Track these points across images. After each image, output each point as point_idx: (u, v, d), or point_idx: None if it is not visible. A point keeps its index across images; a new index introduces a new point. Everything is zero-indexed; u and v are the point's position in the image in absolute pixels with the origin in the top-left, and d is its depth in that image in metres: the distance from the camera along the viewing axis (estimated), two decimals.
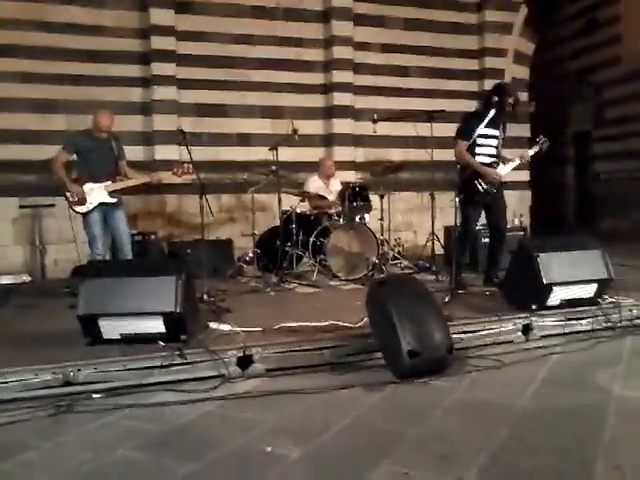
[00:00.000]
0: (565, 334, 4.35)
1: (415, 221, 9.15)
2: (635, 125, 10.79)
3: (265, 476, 2.38)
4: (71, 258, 6.62)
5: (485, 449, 2.55)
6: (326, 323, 4.13)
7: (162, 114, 8.11)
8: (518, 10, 9.98)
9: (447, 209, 6.66)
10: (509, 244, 5.61)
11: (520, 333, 4.31)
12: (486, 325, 4.24)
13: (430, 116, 6.52)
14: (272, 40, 8.66)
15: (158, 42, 8.08)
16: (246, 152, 8.38)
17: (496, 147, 5.52)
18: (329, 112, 8.98)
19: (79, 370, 3.35)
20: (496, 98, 5.41)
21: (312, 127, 8.75)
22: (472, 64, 9.71)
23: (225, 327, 4.14)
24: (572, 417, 2.94)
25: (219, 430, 2.86)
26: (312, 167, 7.67)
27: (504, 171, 5.46)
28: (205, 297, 5.11)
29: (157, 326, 3.70)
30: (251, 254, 6.98)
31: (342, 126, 8.96)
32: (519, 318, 4.36)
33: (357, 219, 6.70)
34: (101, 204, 5.54)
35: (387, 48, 9.29)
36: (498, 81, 5.95)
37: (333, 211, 6.95)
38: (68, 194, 5.48)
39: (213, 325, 4.19)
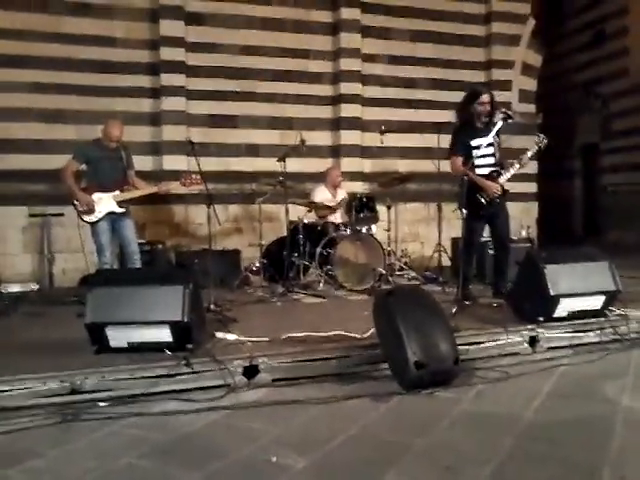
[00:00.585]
0: (572, 346, 4.33)
1: (422, 232, 9.14)
2: None
3: None
4: (79, 267, 6.66)
5: (491, 460, 2.54)
6: (332, 333, 4.13)
7: (171, 125, 8.16)
8: (526, 22, 10.01)
9: (454, 220, 6.66)
10: (516, 256, 5.57)
11: (527, 345, 4.30)
12: (493, 337, 4.23)
13: (437, 127, 6.54)
14: (281, 52, 8.71)
15: (168, 53, 8.15)
16: (254, 163, 8.42)
17: (493, 155, 5.43)
18: (337, 123, 9.02)
19: (86, 378, 3.36)
20: (467, 108, 5.39)
21: (320, 138, 8.79)
22: (479, 76, 9.72)
23: (231, 337, 4.14)
24: (579, 429, 2.92)
25: (225, 439, 2.86)
26: (320, 178, 7.69)
27: (505, 179, 5.37)
28: (212, 307, 5.12)
29: (164, 335, 3.71)
30: (258, 264, 7.00)
31: (350, 137, 8.99)
32: (526, 330, 4.35)
33: (364, 230, 6.71)
34: (109, 213, 5.57)
35: (395, 60, 9.33)
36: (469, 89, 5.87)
37: (339, 220, 6.96)
38: (77, 203, 5.53)
39: (220, 335, 4.20)
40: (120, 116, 6.28)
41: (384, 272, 6.45)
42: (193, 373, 3.53)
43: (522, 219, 8.87)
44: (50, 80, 7.64)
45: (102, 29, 7.93)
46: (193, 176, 5.71)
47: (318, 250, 6.53)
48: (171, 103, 8.18)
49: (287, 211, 6.55)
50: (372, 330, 3.87)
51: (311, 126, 8.67)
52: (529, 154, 5.41)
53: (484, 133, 5.30)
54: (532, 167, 9.63)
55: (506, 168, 5.41)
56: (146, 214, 7.82)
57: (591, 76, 12.05)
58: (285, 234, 6.74)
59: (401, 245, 7.78)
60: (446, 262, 6.99)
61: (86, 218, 5.55)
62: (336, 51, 9.01)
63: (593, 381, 3.63)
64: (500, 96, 5.85)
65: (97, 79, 7.83)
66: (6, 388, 3.24)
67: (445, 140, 6.21)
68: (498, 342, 4.21)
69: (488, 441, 2.78)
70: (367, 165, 9.15)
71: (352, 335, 4.10)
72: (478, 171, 5.36)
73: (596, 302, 4.52)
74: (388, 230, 7.11)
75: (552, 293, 4.32)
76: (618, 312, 4.63)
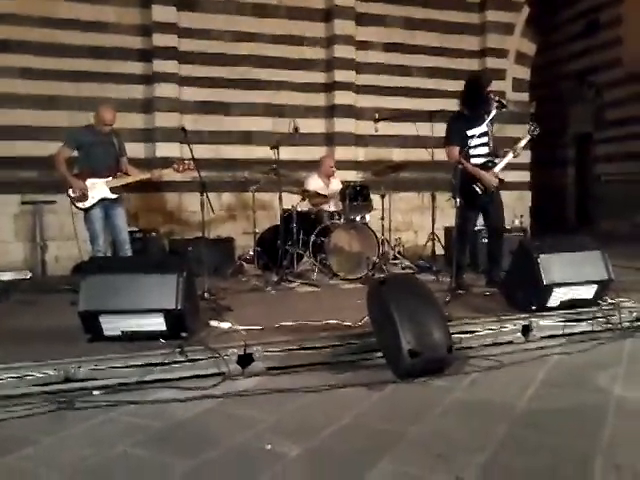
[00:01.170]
0: (565, 335, 4.36)
1: (416, 221, 9.16)
2: (636, 127, 10.78)
3: (265, 473, 2.39)
4: (72, 255, 6.63)
5: (484, 448, 2.56)
6: (326, 322, 4.15)
7: (164, 111, 8.10)
8: (520, 10, 9.98)
9: (448, 209, 6.67)
10: (510, 245, 5.60)
11: (520, 334, 4.33)
12: (486, 325, 4.25)
13: (431, 116, 6.52)
14: (274, 38, 8.65)
15: (160, 39, 8.07)
16: (247, 150, 8.38)
17: (487, 144, 5.43)
18: (331, 111, 8.98)
19: (80, 367, 3.36)
20: (473, 93, 5.38)
21: (314, 126, 8.76)
22: (474, 64, 9.69)
23: (226, 325, 4.15)
24: (571, 417, 2.95)
25: (219, 427, 2.87)
26: (313, 166, 7.67)
27: (499, 168, 5.36)
28: (206, 295, 5.12)
29: (158, 323, 3.71)
30: (252, 252, 6.99)
31: (344, 125, 8.96)
32: (519, 319, 4.37)
33: (358, 218, 6.70)
34: (102, 199, 5.54)
35: (389, 47, 9.29)
36: (470, 76, 5.81)
37: (333, 209, 6.96)
38: (70, 190, 5.49)
39: (214, 323, 4.20)
40: (112, 102, 6.22)
41: (378, 261, 6.46)
42: (187, 361, 3.54)
43: (515, 208, 8.89)
44: (42, 66, 7.56)
45: (94, 14, 7.83)
46: (186, 162, 5.68)
47: (312, 239, 6.53)
48: (163, 90, 8.11)
49: (281, 199, 6.53)
50: (366, 319, 3.89)
51: (305, 114, 8.63)
52: (522, 143, 5.41)
53: (479, 122, 5.28)
54: (525, 156, 9.64)
55: (500, 157, 5.41)
56: (139, 202, 7.79)
57: (585, 65, 12.05)
58: (279, 222, 6.74)
59: (395, 234, 7.77)
60: (440, 251, 6.99)
61: (79, 204, 5.51)
62: (330, 38, 8.94)
63: (585, 370, 3.66)
64: (494, 85, 5.80)
65: (89, 65, 7.75)
66: (0, 376, 3.23)
67: (439, 129, 6.20)
68: (491, 331, 4.23)
69: (481, 429, 2.80)
70: (361, 153, 9.13)
71: (346, 324, 4.11)
72: (473, 160, 5.36)
73: (589, 291, 4.54)
74: (382, 219, 7.11)
75: (545, 282, 4.34)
76: (610, 301, 4.66)
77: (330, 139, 8.98)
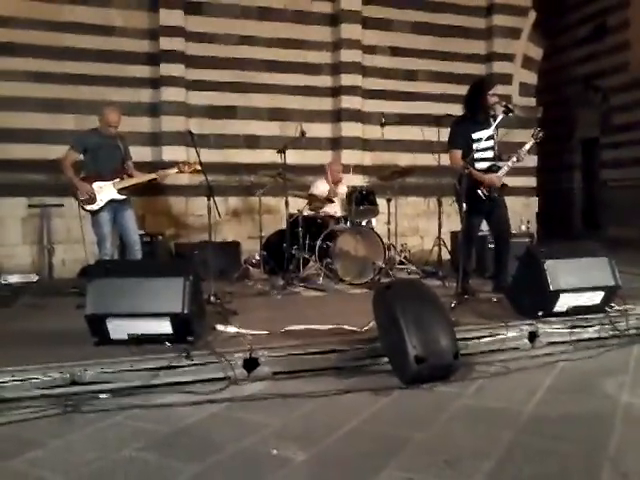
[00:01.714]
0: (572, 341, 4.34)
1: (422, 226, 9.15)
2: None
3: (270, 478, 2.39)
4: (79, 258, 6.66)
5: (490, 455, 2.55)
6: (332, 327, 4.14)
7: (170, 115, 8.14)
8: (527, 15, 9.98)
9: (454, 214, 6.65)
10: (516, 250, 5.57)
11: (526, 340, 4.31)
12: (492, 331, 4.24)
13: (438, 120, 6.52)
14: (281, 42, 8.68)
15: (167, 43, 8.11)
16: (254, 154, 8.40)
17: (492, 148, 5.42)
18: (337, 115, 9.00)
19: (86, 370, 3.36)
20: (474, 97, 5.37)
21: (320, 130, 8.78)
22: (480, 69, 9.70)
23: (232, 329, 4.15)
24: (578, 424, 2.93)
25: (225, 432, 2.87)
26: (319, 170, 7.68)
27: (503, 172, 5.35)
28: (212, 299, 5.12)
29: (164, 327, 3.71)
30: (258, 257, 7.01)
31: (350, 129, 8.97)
32: (525, 325, 4.36)
33: (364, 223, 6.69)
34: (110, 201, 5.56)
35: (395, 52, 9.31)
36: (474, 80, 5.81)
37: (339, 214, 6.95)
38: (78, 193, 5.51)
39: (220, 327, 4.20)
40: (119, 106, 6.24)
41: (384, 266, 6.45)
42: (193, 365, 3.53)
43: (522, 213, 8.87)
44: (49, 69, 7.61)
45: (101, 18, 7.89)
46: (191, 162, 5.72)
47: (318, 243, 6.53)
48: (170, 93, 8.15)
49: (287, 203, 6.54)
50: (372, 324, 3.88)
51: (311, 118, 8.65)
52: (526, 148, 5.38)
53: (485, 126, 5.28)
54: (532, 161, 9.64)
55: (504, 162, 5.40)
56: (146, 205, 7.82)
57: (592, 70, 12.01)
58: (285, 226, 6.74)
59: (401, 239, 7.77)
60: (446, 256, 6.99)
61: (88, 207, 5.53)
62: (336, 42, 8.97)
63: (592, 377, 3.64)
64: (500, 89, 5.81)
65: (96, 68, 7.80)
66: (7, 379, 3.24)
67: (445, 133, 6.19)
68: (498, 337, 4.21)
69: (488, 435, 2.79)
70: (367, 158, 9.13)
71: (352, 329, 4.10)
72: (477, 165, 5.35)
73: (596, 298, 4.52)
74: (388, 223, 7.10)
75: (552, 288, 4.32)
76: (617, 308, 4.63)
77: (336, 143, 8.99)
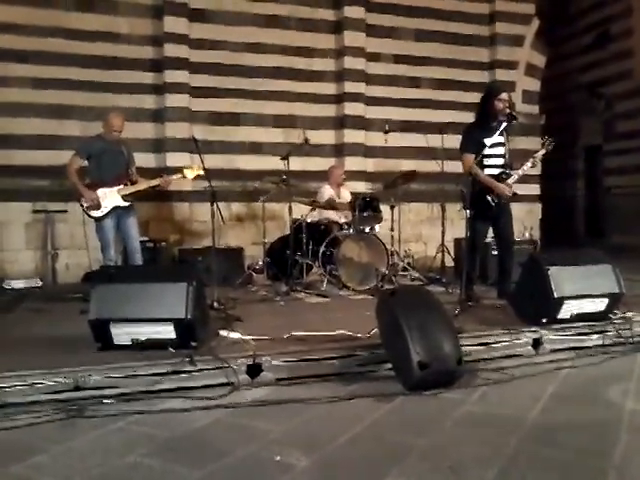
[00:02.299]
0: (575, 348, 4.33)
1: (425, 232, 9.15)
2: None
3: None
4: (82, 263, 6.68)
5: (494, 462, 2.54)
6: (335, 333, 4.13)
7: (174, 122, 8.17)
8: (530, 22, 10.01)
9: (457, 221, 6.68)
10: (519, 257, 5.57)
11: (530, 347, 4.29)
12: (496, 338, 4.23)
13: (441, 127, 6.53)
14: (285, 49, 8.72)
15: (171, 50, 8.15)
16: (257, 161, 8.42)
17: (503, 155, 5.42)
18: (340, 122, 9.02)
19: (89, 375, 3.36)
20: (481, 103, 5.38)
21: (323, 137, 8.81)
22: (483, 76, 9.72)
23: (235, 335, 4.14)
24: (583, 431, 2.92)
25: (228, 438, 2.86)
26: (323, 176, 7.69)
27: (513, 180, 5.35)
28: (215, 305, 5.13)
29: (168, 332, 3.71)
30: (261, 263, 7.01)
31: (353, 136, 8.99)
32: (529, 332, 4.34)
33: (367, 229, 6.70)
34: (115, 208, 5.57)
35: (399, 59, 9.34)
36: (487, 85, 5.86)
37: (343, 220, 6.96)
38: (82, 199, 5.52)
39: (223, 333, 4.20)
40: (123, 112, 6.27)
41: (387, 272, 6.45)
42: (197, 371, 3.53)
43: (525, 220, 8.87)
44: (54, 75, 7.66)
45: (106, 25, 7.94)
46: (194, 167, 5.75)
47: (321, 249, 6.53)
48: (174, 100, 8.18)
49: (290, 209, 6.55)
50: (375, 330, 3.88)
51: (315, 124, 8.68)
52: (539, 156, 5.40)
53: (492, 132, 5.28)
54: (535, 168, 9.60)
55: (515, 170, 5.39)
56: (150, 211, 7.84)
57: (595, 77, 12.02)
58: (288, 232, 6.74)
59: (404, 245, 7.77)
60: (449, 263, 6.98)
61: (93, 213, 5.54)
62: (340, 49, 9.00)
63: (597, 384, 3.63)
64: (505, 96, 5.83)
65: (101, 75, 7.84)
66: (10, 384, 3.24)
67: (449, 140, 6.22)
68: (501, 343, 4.20)
69: (491, 442, 2.77)
70: (370, 164, 9.15)
71: (355, 335, 4.10)
72: (487, 171, 5.34)
73: (600, 305, 4.51)
74: (391, 230, 7.11)
75: (556, 295, 4.31)
76: (621, 315, 4.62)
77: (340, 150, 9.01)
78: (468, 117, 5.66)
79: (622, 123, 11.46)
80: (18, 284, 6.80)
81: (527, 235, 7.95)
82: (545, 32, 10.29)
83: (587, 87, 12.29)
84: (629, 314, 4.64)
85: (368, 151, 9.09)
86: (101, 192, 5.55)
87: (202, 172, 5.60)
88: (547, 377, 3.75)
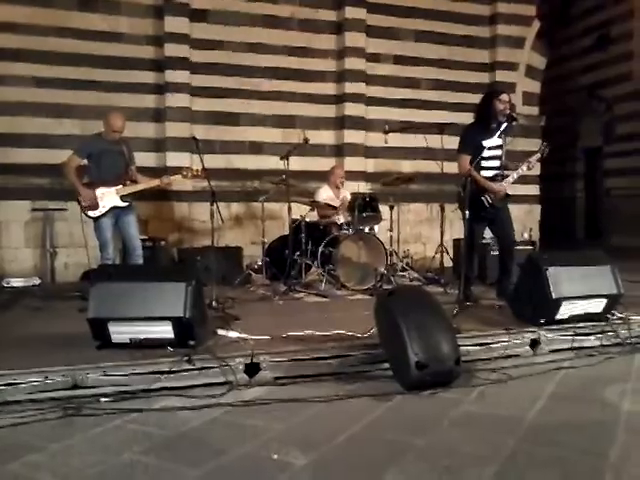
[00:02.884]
0: (573, 349, 4.33)
1: (424, 233, 9.15)
2: None
3: None
4: (81, 262, 6.68)
5: (491, 462, 2.54)
6: (334, 332, 4.14)
7: (175, 121, 8.17)
8: (531, 24, 10.01)
9: (456, 221, 6.68)
10: (518, 258, 5.57)
11: (528, 347, 4.30)
12: (494, 338, 4.23)
13: (441, 128, 6.54)
14: (285, 50, 8.72)
15: (172, 49, 8.15)
16: (257, 160, 8.43)
17: (500, 157, 5.42)
18: (340, 122, 9.02)
19: (88, 373, 3.36)
20: (481, 104, 5.39)
21: (323, 137, 8.81)
22: (484, 77, 9.72)
23: (233, 334, 4.15)
24: (580, 432, 2.92)
25: (225, 436, 2.86)
26: (322, 177, 7.69)
27: (509, 182, 5.37)
28: (214, 304, 5.13)
29: (166, 331, 3.72)
30: (260, 262, 7.01)
31: (353, 136, 8.99)
32: (527, 332, 4.35)
33: (366, 230, 6.70)
34: (113, 208, 5.57)
35: (399, 60, 9.34)
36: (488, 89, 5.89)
37: (342, 220, 6.97)
38: (80, 199, 5.52)
39: (221, 332, 4.21)
40: (124, 112, 6.27)
41: (386, 272, 6.45)
42: (195, 370, 3.53)
43: (524, 221, 8.88)
44: (55, 75, 7.66)
45: (108, 24, 7.94)
46: (194, 168, 5.74)
47: (320, 249, 6.54)
48: (175, 100, 8.18)
49: (289, 209, 6.55)
50: (373, 330, 3.88)
51: (315, 125, 8.69)
52: (534, 160, 5.40)
53: (491, 134, 5.28)
54: (535, 169, 9.62)
55: (511, 171, 5.40)
56: (149, 210, 7.84)
57: (595, 79, 12.05)
58: (287, 232, 6.75)
59: (403, 245, 7.78)
60: (448, 263, 6.98)
61: (90, 213, 5.54)
62: (341, 50, 9.01)
63: (594, 385, 3.63)
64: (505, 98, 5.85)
65: (101, 74, 7.84)
66: (8, 382, 3.24)
67: (449, 141, 6.23)
68: (499, 344, 4.20)
69: (489, 442, 2.78)
70: (370, 165, 9.15)
71: (353, 334, 4.10)
72: (483, 172, 5.35)
73: (598, 305, 4.52)
74: (390, 230, 7.11)
75: (554, 296, 4.31)
76: (619, 316, 4.63)
77: (340, 150, 9.01)
78: (468, 118, 5.67)
79: (622, 125, 11.48)
80: (17, 282, 6.81)
81: (526, 236, 7.96)
82: (545, 34, 10.29)
83: (587, 89, 12.31)
84: (627, 315, 4.65)
85: (368, 151, 9.09)
86: (99, 192, 5.54)
87: (201, 174, 5.60)
88: (545, 377, 3.76)
